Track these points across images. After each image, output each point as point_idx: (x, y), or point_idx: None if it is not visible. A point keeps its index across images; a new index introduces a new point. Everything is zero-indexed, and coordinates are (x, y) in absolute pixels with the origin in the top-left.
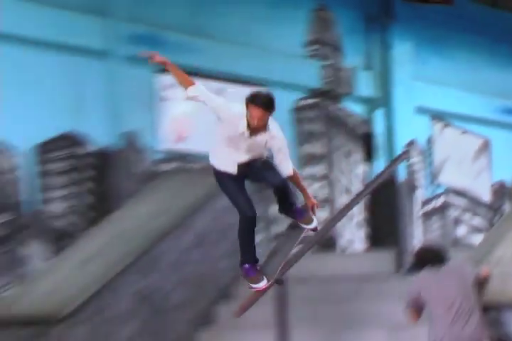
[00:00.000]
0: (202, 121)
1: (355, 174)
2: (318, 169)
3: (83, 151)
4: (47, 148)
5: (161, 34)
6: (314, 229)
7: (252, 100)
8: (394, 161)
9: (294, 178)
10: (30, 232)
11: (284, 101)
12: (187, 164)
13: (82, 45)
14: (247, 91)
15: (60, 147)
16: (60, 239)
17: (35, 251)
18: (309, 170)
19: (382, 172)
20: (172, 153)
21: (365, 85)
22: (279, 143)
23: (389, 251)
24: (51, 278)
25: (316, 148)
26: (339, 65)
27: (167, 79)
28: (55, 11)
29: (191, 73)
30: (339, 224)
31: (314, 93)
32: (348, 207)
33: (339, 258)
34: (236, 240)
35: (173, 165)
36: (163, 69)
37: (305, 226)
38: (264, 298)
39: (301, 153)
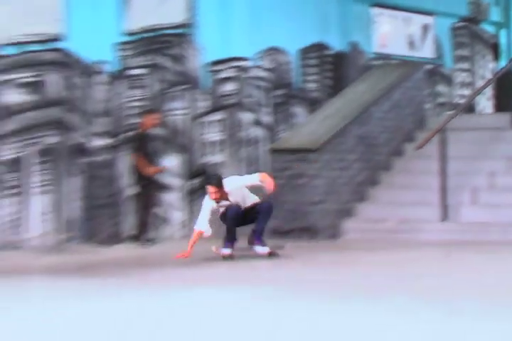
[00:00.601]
0: (395, 36)
1: (487, 68)
2: (466, 64)
3: (326, 53)
4: (306, 51)
5: None
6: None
7: (207, 182)
8: (510, 61)
9: (262, 176)
10: (296, 100)
11: (446, 24)
12: (387, 61)
13: None
14: (426, 18)
15: (313, 50)
16: (312, 104)
17: (298, 111)
18: (459, 65)
19: (504, 67)
20: (378, 54)
21: (494, 14)
22: (235, 185)
23: (507, 113)
24: (308, 127)
25: (464, 52)
26: (480, 2)
27: (376, 10)
28: None
29: (389, 7)
30: (477, 98)
31: (464, 19)
32: (483, 87)
33: (477, 117)
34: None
35: (379, 61)
36: (375, 4)
37: (258, 248)
38: (433, 140)
39: (455, 55)
